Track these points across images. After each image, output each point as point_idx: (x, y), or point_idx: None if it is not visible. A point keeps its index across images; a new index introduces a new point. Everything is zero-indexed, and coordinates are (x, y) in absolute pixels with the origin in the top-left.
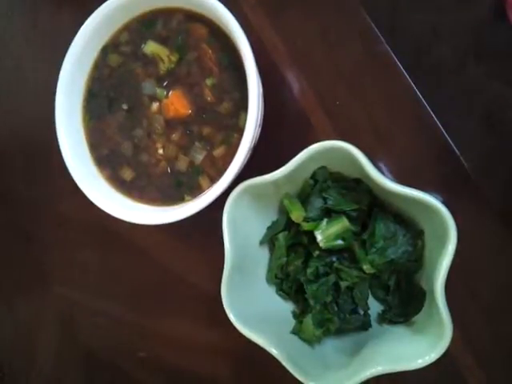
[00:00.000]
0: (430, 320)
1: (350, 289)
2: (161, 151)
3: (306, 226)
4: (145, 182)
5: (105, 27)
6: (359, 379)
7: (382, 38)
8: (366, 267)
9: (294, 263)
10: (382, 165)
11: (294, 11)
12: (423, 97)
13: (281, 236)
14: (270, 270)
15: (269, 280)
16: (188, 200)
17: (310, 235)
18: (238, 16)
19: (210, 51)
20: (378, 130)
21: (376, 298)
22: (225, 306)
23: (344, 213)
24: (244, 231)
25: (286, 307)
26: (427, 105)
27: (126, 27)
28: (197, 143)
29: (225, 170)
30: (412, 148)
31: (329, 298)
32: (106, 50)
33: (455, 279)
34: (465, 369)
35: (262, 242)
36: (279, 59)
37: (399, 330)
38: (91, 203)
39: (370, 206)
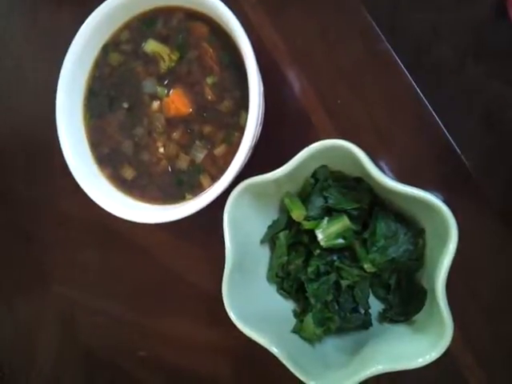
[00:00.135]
0: (430, 319)
1: (350, 288)
2: (161, 150)
3: (306, 225)
4: (146, 181)
5: (105, 26)
6: (359, 378)
7: (382, 36)
8: (366, 266)
9: (295, 262)
10: (382, 163)
11: (294, 10)
12: (424, 96)
13: (281, 235)
14: (270, 268)
15: (269, 279)
16: (189, 199)
17: (311, 234)
18: (238, 15)
19: (211, 50)
20: (379, 128)
21: (377, 296)
22: (225, 305)
23: (345, 211)
24: (245, 230)
25: (287, 306)
26: (428, 104)
27: (127, 26)
28: (197, 142)
29: (226, 168)
30: (413, 147)
31: (329, 297)
32: (106, 49)
33: (456, 278)
34: (465, 368)
35: (262, 241)
36: (280, 58)
37: (400, 329)
38: (92, 202)
39: (370, 205)
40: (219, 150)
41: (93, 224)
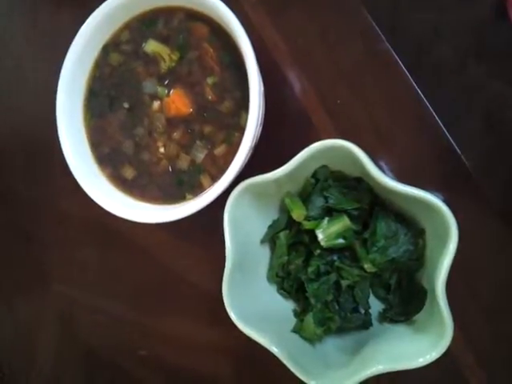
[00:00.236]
0: (430, 319)
1: (350, 287)
2: (162, 150)
3: (307, 225)
4: (146, 181)
5: (106, 26)
6: (360, 378)
7: (382, 36)
8: (367, 266)
9: (295, 262)
10: (382, 163)
11: (294, 10)
12: (424, 96)
13: (282, 235)
14: (270, 268)
15: (270, 279)
16: (189, 199)
17: (311, 234)
18: (238, 15)
19: (211, 50)
20: (379, 128)
21: (377, 296)
22: (226, 305)
23: (345, 212)
24: (245, 230)
25: (287, 306)
26: (428, 104)
27: (127, 26)
28: (198, 142)
29: (226, 168)
30: (413, 147)
31: (330, 297)
32: (106, 49)
33: (456, 278)
34: (465, 368)
35: (263, 241)
36: (280, 58)
37: (400, 329)
38: (92, 202)
39: (371, 205)
40: (219, 150)
41: (93, 223)
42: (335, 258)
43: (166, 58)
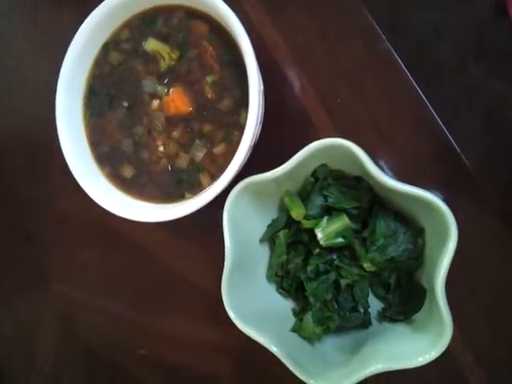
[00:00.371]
0: (430, 318)
1: (350, 287)
2: (161, 149)
3: (306, 224)
4: (145, 180)
5: (105, 24)
6: (359, 377)
7: (383, 36)
8: (366, 265)
9: (295, 261)
10: (382, 162)
11: (294, 8)
12: (424, 95)
13: (281, 234)
14: (270, 267)
15: (269, 278)
16: (188, 198)
17: (311, 233)
18: (238, 13)
19: (211, 48)
20: (379, 127)
21: (376, 295)
22: (225, 304)
23: (344, 211)
24: (244, 229)
25: (286, 305)
26: (428, 103)
27: (127, 24)
28: (197, 141)
29: (225, 167)
30: (413, 146)
31: (329, 296)
32: (106, 48)
33: (455, 277)
34: (465, 367)
35: (262, 240)
36: (280, 56)
37: (399, 328)
38: (92, 201)
39: (370, 204)
40: (219, 149)
41: (92, 223)
42: (334, 257)
43: (166, 56)
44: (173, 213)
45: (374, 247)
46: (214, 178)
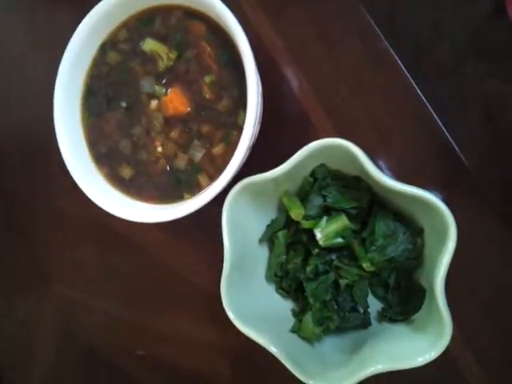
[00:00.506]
0: (429, 318)
1: (349, 287)
2: (160, 149)
3: (305, 224)
4: (144, 180)
5: (103, 25)
6: (359, 378)
7: (381, 36)
8: (365, 265)
9: (294, 261)
10: (381, 163)
11: (293, 8)
12: (423, 95)
13: (280, 234)
14: (269, 268)
15: (268, 278)
16: (187, 198)
17: (310, 233)
18: (236, 13)
19: (209, 48)
20: (378, 127)
21: (376, 296)
22: (224, 305)
23: (343, 211)
24: (243, 229)
25: (286, 305)
26: (427, 103)
27: (125, 25)
28: (196, 141)
29: (224, 167)
30: (412, 146)
31: (328, 296)
32: (104, 48)
33: (455, 277)
34: (464, 367)
35: (261, 240)
36: (278, 56)
37: (399, 328)
38: (90, 201)
39: (369, 204)
40: (217, 149)
41: (90, 223)
42: (334, 257)
43: (164, 56)
44: (171, 213)
45: (374, 247)
46: (212, 178)
